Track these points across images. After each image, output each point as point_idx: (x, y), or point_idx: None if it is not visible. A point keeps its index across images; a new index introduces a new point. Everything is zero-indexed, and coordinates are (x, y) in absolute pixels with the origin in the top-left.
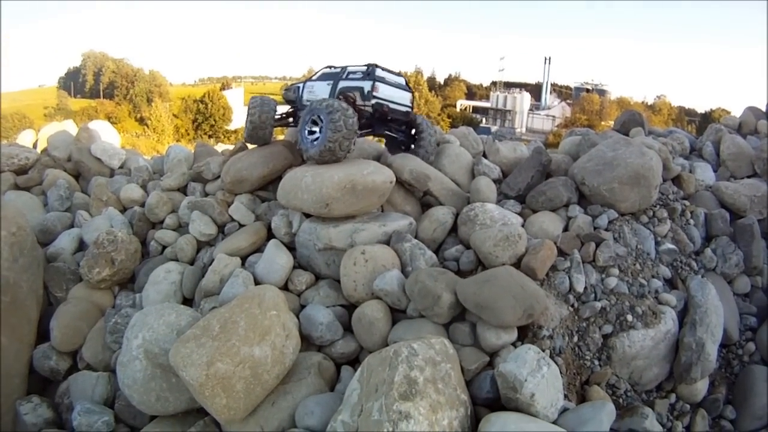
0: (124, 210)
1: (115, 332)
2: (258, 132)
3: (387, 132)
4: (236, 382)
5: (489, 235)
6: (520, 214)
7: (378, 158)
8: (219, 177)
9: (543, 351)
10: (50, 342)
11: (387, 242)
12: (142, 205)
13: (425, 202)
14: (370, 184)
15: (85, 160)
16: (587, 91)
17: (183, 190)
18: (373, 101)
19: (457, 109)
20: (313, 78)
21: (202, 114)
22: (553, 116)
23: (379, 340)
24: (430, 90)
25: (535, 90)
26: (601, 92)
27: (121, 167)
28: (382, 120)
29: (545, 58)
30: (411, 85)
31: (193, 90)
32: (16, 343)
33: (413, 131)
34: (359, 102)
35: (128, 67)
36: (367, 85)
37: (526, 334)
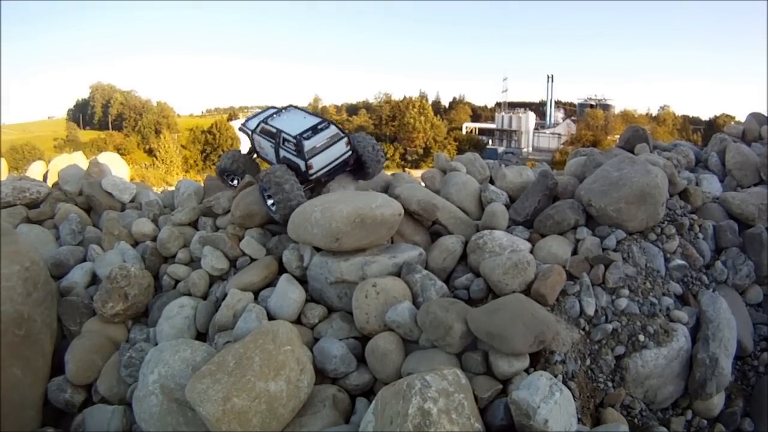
0: (135, 244)
1: (130, 366)
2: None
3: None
4: (252, 417)
5: (498, 263)
6: (528, 239)
7: (386, 189)
8: (229, 211)
9: (556, 376)
10: (65, 375)
11: (398, 274)
12: (154, 239)
13: (434, 231)
14: (379, 217)
15: (97, 194)
16: (591, 106)
17: (194, 224)
18: (312, 177)
19: (463, 132)
20: (258, 130)
21: (210, 145)
22: (559, 134)
23: (393, 371)
24: (435, 114)
25: (540, 108)
26: (605, 107)
27: (131, 201)
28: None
29: (548, 76)
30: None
31: (201, 121)
32: (30, 375)
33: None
34: (302, 174)
35: (136, 98)
36: (302, 164)
37: (539, 360)
